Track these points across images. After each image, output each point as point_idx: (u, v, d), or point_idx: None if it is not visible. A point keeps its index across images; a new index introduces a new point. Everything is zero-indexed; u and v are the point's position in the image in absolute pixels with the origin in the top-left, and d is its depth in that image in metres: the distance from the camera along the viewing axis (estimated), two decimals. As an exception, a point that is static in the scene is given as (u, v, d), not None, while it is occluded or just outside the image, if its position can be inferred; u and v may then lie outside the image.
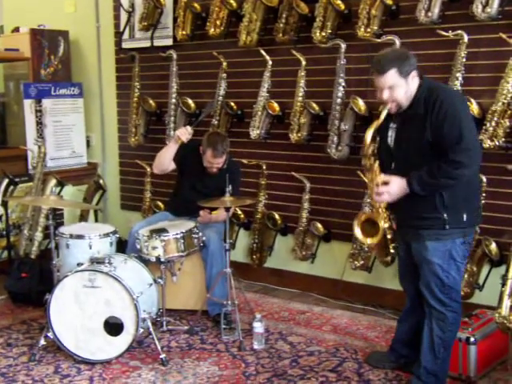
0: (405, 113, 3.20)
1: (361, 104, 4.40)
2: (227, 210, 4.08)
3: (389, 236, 3.60)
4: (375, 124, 3.23)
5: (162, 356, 3.74)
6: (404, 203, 3.20)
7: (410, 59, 3.14)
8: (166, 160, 4.49)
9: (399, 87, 3.11)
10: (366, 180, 3.38)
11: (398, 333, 3.65)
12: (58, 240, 4.00)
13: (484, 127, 3.89)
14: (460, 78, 3.99)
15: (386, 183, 3.19)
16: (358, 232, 3.50)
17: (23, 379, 3.59)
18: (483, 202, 4.00)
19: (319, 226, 4.77)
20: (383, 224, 3.39)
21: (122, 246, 4.50)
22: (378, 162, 3.28)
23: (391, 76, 3.10)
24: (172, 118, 5.38)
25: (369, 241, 3.50)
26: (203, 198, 4.17)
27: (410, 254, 3.33)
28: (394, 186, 3.17)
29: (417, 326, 3.41)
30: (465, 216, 3.14)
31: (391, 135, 3.28)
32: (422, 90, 3.15)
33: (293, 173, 4.85)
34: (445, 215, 3.11)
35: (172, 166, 4.53)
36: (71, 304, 3.71)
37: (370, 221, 3.46)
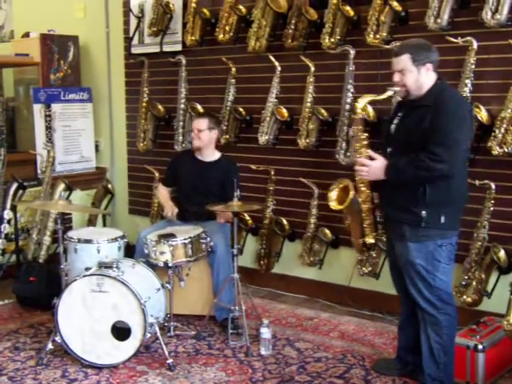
0: (413, 102, 3.26)
1: (369, 110, 4.38)
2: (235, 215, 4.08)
3: (367, 220, 3.48)
4: (373, 96, 3.41)
5: (169, 361, 3.74)
6: (388, 191, 3.26)
7: (427, 51, 3.22)
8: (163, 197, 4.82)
9: (409, 73, 3.20)
10: (352, 150, 3.41)
11: (400, 340, 3.64)
12: (67, 244, 4.01)
13: (493, 134, 3.88)
14: (469, 85, 3.99)
15: (371, 158, 3.29)
16: (332, 194, 3.54)
17: (30, 383, 3.60)
18: (492, 208, 4.00)
19: (327, 231, 4.76)
20: (354, 196, 3.40)
21: (130, 251, 4.50)
22: (365, 135, 3.38)
23: (403, 61, 3.20)
24: (181, 124, 5.40)
25: (334, 204, 3.51)
26: (205, 195, 4.37)
27: (396, 257, 3.36)
28: (377, 164, 3.25)
29: (417, 333, 3.39)
30: (443, 218, 3.16)
31: (396, 123, 3.36)
32: (436, 88, 3.22)
33: (301, 178, 4.84)
34: (423, 212, 3.15)
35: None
36: (79, 308, 3.72)
37: (347, 190, 3.46)
